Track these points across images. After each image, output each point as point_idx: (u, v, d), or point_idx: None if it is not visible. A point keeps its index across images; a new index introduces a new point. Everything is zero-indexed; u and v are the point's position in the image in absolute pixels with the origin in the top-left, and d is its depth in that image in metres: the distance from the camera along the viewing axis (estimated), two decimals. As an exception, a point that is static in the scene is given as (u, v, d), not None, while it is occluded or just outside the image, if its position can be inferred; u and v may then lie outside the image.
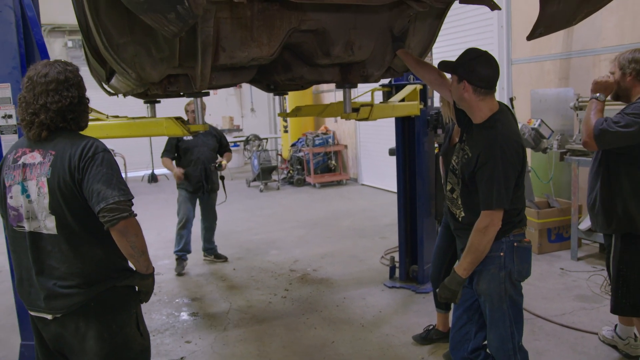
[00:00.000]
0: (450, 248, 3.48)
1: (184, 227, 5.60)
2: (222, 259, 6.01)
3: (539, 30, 2.51)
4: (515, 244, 2.47)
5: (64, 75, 2.09)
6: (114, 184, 2.01)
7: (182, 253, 5.66)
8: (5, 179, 2.14)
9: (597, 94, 3.12)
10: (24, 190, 2.08)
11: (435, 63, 3.08)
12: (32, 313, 2.17)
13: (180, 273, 5.61)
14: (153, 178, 12.13)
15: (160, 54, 2.61)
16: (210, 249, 6.03)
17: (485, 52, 2.49)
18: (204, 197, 5.73)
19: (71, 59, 12.56)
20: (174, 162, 5.64)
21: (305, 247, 6.40)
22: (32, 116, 2.08)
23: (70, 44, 12.28)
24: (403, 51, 3.03)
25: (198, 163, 5.55)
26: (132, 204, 2.06)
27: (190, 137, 5.44)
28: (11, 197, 2.12)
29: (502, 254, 2.44)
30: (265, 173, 10.66)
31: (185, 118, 5.00)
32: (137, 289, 2.27)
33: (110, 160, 2.07)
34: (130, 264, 2.20)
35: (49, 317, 2.10)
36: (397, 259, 5.15)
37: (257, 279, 5.38)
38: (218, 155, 5.79)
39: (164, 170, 12.87)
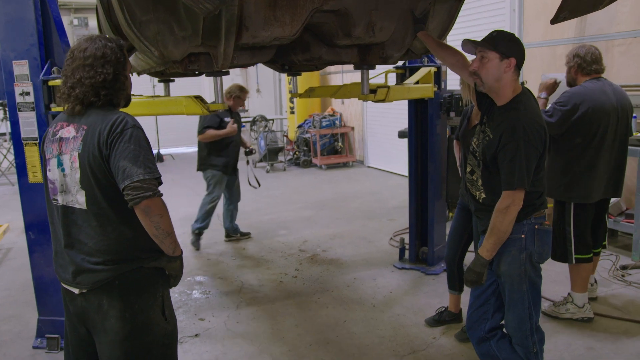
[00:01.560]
0: (466, 230, 3.51)
1: (215, 206, 5.77)
2: (247, 235, 6.17)
3: (563, 13, 2.50)
4: (536, 227, 2.49)
5: (101, 51, 2.08)
6: (141, 161, 1.98)
7: (204, 230, 5.81)
8: (46, 152, 2.17)
9: (541, 93, 3.83)
10: (60, 164, 2.10)
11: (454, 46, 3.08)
12: (63, 285, 2.20)
13: (198, 248, 5.75)
14: (159, 158, 12.14)
15: (183, 32, 2.61)
16: (235, 229, 6.14)
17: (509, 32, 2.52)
18: (232, 178, 5.85)
19: (76, 37, 12.47)
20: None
21: (314, 228, 6.44)
22: (70, 89, 2.09)
23: (76, 21, 12.20)
24: (424, 33, 3.03)
25: (235, 145, 5.74)
26: (160, 183, 2.05)
27: (228, 119, 5.58)
28: (49, 170, 2.15)
29: (523, 236, 2.47)
30: (271, 154, 10.68)
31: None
32: (166, 273, 2.24)
33: (139, 136, 2.04)
34: None
35: (76, 291, 2.12)
36: (406, 240, 5.19)
37: (267, 258, 5.42)
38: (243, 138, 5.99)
39: (170, 150, 12.91)
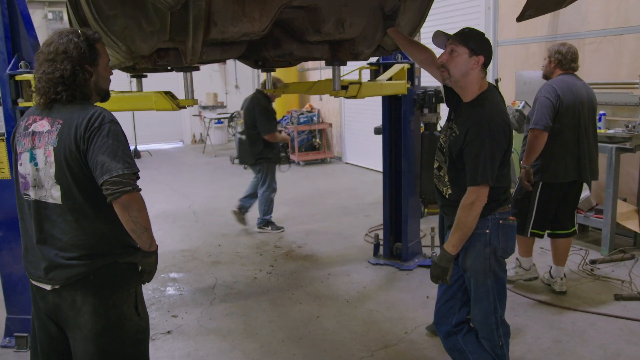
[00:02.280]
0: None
1: (274, 196, 6.15)
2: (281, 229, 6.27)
3: (528, 11, 2.55)
4: (500, 222, 2.52)
5: (64, 46, 2.05)
6: (119, 156, 1.98)
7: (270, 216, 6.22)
8: (17, 146, 2.14)
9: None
10: (32, 158, 2.07)
11: (424, 44, 3.12)
12: (32, 282, 2.16)
13: (279, 228, 6.16)
14: (136, 154, 12.02)
15: (151, 27, 2.59)
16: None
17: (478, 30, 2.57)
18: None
19: (50, 31, 12.28)
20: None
21: (290, 224, 6.44)
22: (37, 83, 2.09)
23: (50, 15, 12.00)
24: (394, 30, 3.05)
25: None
26: (138, 178, 2.04)
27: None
28: (21, 165, 2.11)
29: (487, 231, 2.50)
30: (249, 150, 10.62)
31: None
32: (139, 269, 2.23)
33: (117, 131, 2.03)
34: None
35: (48, 287, 2.09)
36: (381, 236, 5.22)
37: (242, 255, 5.41)
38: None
39: (147, 147, 12.80)
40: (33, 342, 2.29)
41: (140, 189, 2.03)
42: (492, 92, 2.53)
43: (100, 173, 1.96)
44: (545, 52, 4.17)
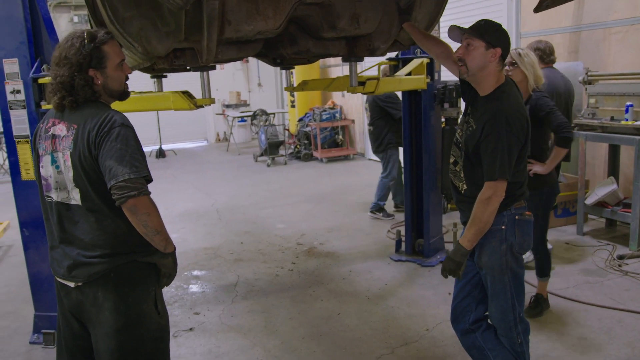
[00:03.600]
0: (539, 210, 3.51)
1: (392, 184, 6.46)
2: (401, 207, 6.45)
3: (546, 2, 2.50)
4: (516, 217, 2.48)
5: (65, 51, 2.08)
6: (127, 160, 1.98)
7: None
8: (39, 149, 2.19)
9: None
10: (54, 161, 2.11)
11: (444, 37, 3.08)
12: (57, 279, 2.21)
13: (389, 215, 6.43)
14: (161, 153, 12.18)
15: (166, 28, 2.61)
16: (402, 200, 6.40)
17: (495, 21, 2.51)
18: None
19: (78, 34, 12.51)
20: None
21: (312, 221, 6.45)
22: (48, 87, 2.15)
23: (76, 19, 12.22)
24: (409, 24, 3.02)
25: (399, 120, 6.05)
26: (149, 181, 2.06)
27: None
28: (42, 167, 2.16)
29: (503, 227, 2.46)
30: (272, 148, 10.68)
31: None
32: (159, 270, 2.26)
33: (126, 135, 2.03)
34: None
35: (72, 284, 2.14)
36: (403, 232, 5.18)
37: (264, 252, 5.44)
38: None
39: (172, 146, 12.96)
40: (59, 339, 2.34)
41: (148, 193, 2.04)
42: (509, 86, 2.48)
43: (108, 178, 1.98)
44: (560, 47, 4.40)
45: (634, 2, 5.36)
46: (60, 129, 2.10)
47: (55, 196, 2.13)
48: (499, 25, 2.50)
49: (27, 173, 3.60)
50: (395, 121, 6.13)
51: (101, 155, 2.00)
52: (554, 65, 4.32)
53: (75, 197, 2.08)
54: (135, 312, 2.16)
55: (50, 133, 2.14)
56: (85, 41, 2.09)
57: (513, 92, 2.47)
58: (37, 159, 2.20)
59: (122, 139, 2.01)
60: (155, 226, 2.06)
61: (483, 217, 2.37)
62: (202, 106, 3.16)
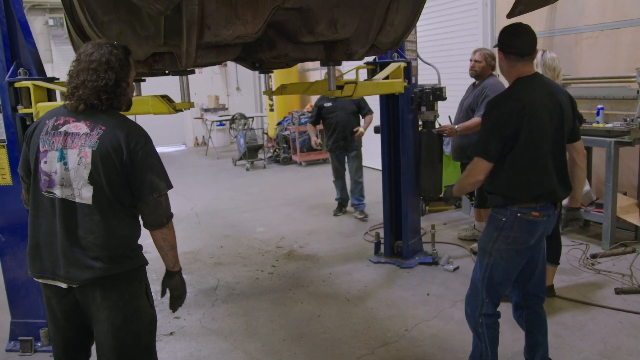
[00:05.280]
0: None
1: (336, 180, 6.79)
2: (364, 216, 6.55)
3: (519, 8, 2.58)
4: (519, 215, 2.65)
5: (106, 57, 2.17)
6: (163, 176, 2.25)
7: (338, 199, 6.84)
8: (41, 144, 2.18)
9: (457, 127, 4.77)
10: (62, 158, 2.14)
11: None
12: (44, 282, 2.22)
13: (335, 214, 6.73)
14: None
15: (145, 32, 2.62)
16: (355, 205, 6.68)
17: (517, 23, 2.73)
18: (349, 156, 6.56)
19: (52, 38, 12.35)
20: (317, 127, 6.85)
21: (292, 225, 6.47)
22: (73, 89, 2.18)
23: (51, 22, 12.09)
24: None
25: (336, 126, 6.38)
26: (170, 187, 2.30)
27: (330, 104, 6.40)
28: (45, 162, 2.16)
29: (504, 219, 2.69)
30: (251, 152, 10.68)
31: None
32: (166, 291, 2.43)
33: (155, 151, 2.25)
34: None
35: (64, 285, 2.17)
36: (381, 235, 5.24)
37: (244, 255, 5.44)
38: (361, 118, 6.46)
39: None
40: (54, 345, 2.36)
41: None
42: (529, 79, 2.70)
43: (149, 190, 2.19)
44: (477, 56, 4.87)
45: (604, 8, 5.51)
46: (77, 127, 2.15)
47: (59, 192, 2.15)
48: (507, 27, 2.77)
49: (3, 178, 3.56)
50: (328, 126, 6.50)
51: (139, 167, 2.16)
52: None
53: (83, 195, 2.12)
54: (132, 307, 2.24)
55: (62, 130, 2.17)
56: (120, 50, 2.23)
57: (525, 84, 2.69)
58: (35, 154, 2.20)
59: (155, 154, 2.23)
60: (172, 242, 2.30)
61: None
62: (181, 110, 3.17)
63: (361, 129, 6.31)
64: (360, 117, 6.46)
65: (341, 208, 6.85)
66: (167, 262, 2.34)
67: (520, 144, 2.58)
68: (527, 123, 2.57)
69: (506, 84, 2.86)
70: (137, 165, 2.14)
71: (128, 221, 2.22)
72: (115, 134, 2.13)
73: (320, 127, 6.92)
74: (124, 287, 2.22)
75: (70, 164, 2.12)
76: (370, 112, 6.41)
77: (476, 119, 4.73)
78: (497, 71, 5.07)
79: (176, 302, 2.44)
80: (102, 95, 2.16)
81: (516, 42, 2.67)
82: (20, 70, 3.46)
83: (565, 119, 2.69)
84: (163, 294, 2.43)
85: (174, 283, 2.38)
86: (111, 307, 2.18)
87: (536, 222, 2.67)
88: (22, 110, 3.48)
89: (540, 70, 3.99)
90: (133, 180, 2.16)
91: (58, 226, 2.15)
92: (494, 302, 2.78)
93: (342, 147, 6.46)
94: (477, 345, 2.89)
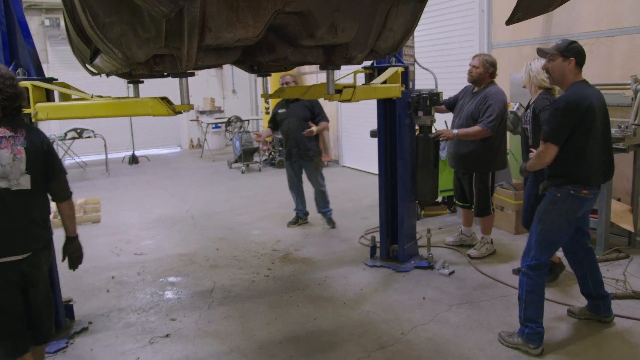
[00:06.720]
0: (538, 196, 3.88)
1: (290, 189, 6.54)
2: (332, 224, 6.42)
3: (517, 15, 2.59)
4: (571, 192, 3.28)
5: (9, 73, 2.74)
6: (61, 163, 2.97)
7: (295, 210, 6.58)
8: None
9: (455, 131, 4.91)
10: None
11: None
12: (4, 260, 2.66)
13: (288, 226, 6.50)
14: (134, 159, 12.05)
15: (147, 34, 2.62)
16: (322, 213, 6.47)
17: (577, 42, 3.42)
18: (304, 164, 6.28)
19: (48, 38, 12.31)
20: (274, 132, 6.63)
21: (288, 228, 6.47)
22: None
23: (47, 22, 12.03)
24: None
25: (288, 133, 6.17)
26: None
27: (283, 110, 6.23)
28: None
29: (558, 194, 3.32)
30: (246, 154, 10.68)
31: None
32: (64, 257, 3.06)
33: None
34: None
35: (20, 257, 2.68)
36: (377, 238, 5.25)
37: (240, 258, 5.44)
38: (313, 125, 6.12)
39: (145, 152, 12.84)
40: (10, 312, 2.76)
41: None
42: (581, 83, 3.39)
43: (59, 172, 2.88)
44: (475, 61, 4.95)
45: (599, 16, 5.56)
46: (2, 132, 2.66)
47: (3, 184, 2.67)
48: (573, 42, 3.39)
49: None
50: (282, 133, 6.40)
51: (49, 157, 2.82)
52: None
53: (22, 183, 2.68)
54: (51, 258, 3.08)
55: None
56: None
57: (578, 87, 3.32)
58: None
59: (53, 149, 2.92)
60: (74, 211, 3.05)
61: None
62: (180, 112, 3.17)
63: (313, 128, 6.03)
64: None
65: (297, 220, 6.55)
66: (70, 229, 2.99)
67: (579, 134, 3.19)
68: (589, 117, 3.19)
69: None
70: (49, 155, 2.82)
71: (46, 198, 2.88)
72: (35, 136, 2.76)
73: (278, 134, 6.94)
74: (48, 252, 2.94)
75: (4, 161, 2.63)
76: (325, 119, 6.21)
77: (477, 128, 4.80)
78: (497, 79, 5.16)
79: (76, 262, 3.05)
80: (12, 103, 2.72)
81: (584, 57, 3.40)
82: (19, 70, 3.47)
83: (608, 117, 3.39)
84: (64, 258, 3.02)
85: (74, 246, 3.02)
86: (44, 265, 2.88)
87: (585, 198, 3.29)
88: (25, 110, 3.47)
89: (525, 77, 4.39)
90: (50, 166, 2.83)
91: (6, 211, 2.68)
92: (541, 259, 3.36)
93: (296, 154, 6.17)
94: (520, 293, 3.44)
